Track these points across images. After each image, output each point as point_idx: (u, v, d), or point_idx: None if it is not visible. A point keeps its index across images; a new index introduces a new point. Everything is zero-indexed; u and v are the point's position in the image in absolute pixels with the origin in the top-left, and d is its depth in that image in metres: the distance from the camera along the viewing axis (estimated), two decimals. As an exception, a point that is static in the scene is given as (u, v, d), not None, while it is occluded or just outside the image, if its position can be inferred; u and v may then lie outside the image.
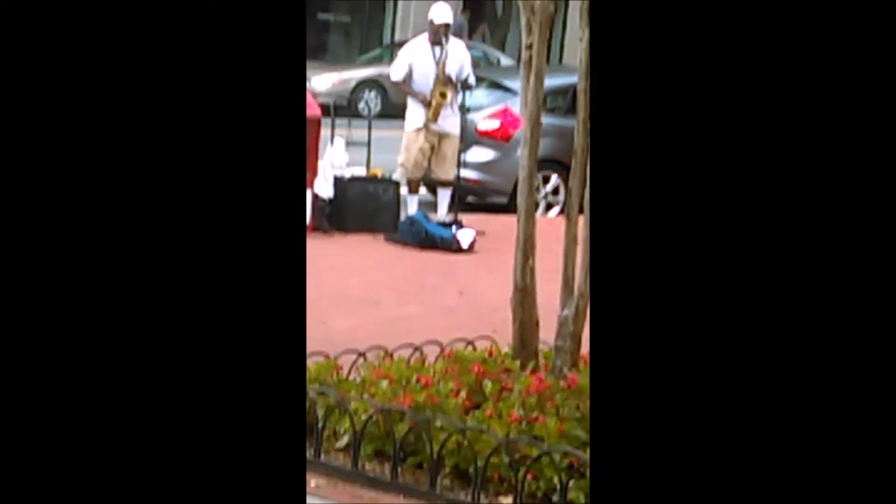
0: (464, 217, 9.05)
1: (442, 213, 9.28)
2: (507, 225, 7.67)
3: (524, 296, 4.31)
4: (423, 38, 9.24)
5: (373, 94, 18.52)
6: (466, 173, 9.77)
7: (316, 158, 8.62)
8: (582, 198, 4.27)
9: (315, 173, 8.59)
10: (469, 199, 10.28)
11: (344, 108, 12.75)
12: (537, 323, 4.46)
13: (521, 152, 4.22)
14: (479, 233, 8.68)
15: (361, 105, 18.37)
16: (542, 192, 10.32)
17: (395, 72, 9.28)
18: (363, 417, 4.06)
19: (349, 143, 9.05)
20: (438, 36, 9.08)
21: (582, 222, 4.26)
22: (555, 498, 3.71)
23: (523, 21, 4.16)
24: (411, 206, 9.19)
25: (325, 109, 9.15)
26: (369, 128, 9.47)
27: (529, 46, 4.12)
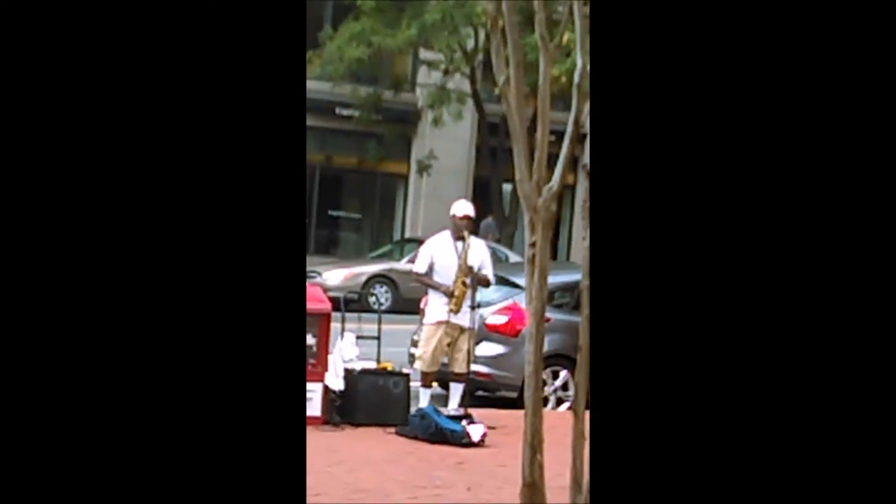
0: (474, 411, 9.06)
1: (453, 406, 9.30)
2: (517, 419, 7.67)
3: (532, 491, 4.33)
4: (446, 234, 9.48)
5: (383, 289, 18.79)
6: (476, 367, 9.85)
7: (326, 352, 8.73)
8: (588, 393, 4.33)
9: (325, 367, 8.67)
10: (479, 392, 10.32)
11: (355, 302, 12.94)
12: (548, 517, 4.46)
13: (527, 347, 4.31)
14: (490, 427, 8.68)
15: (372, 300, 18.59)
16: (552, 387, 10.36)
17: (419, 265, 9.49)
18: None
19: (359, 337, 9.16)
20: (460, 230, 9.32)
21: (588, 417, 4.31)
22: None
23: (527, 219, 4.32)
24: (424, 400, 9.23)
25: (336, 304, 9.30)
26: (379, 321, 9.60)
27: (533, 244, 4.26)
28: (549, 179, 4.25)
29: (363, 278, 18.92)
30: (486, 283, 9.42)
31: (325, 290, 13.08)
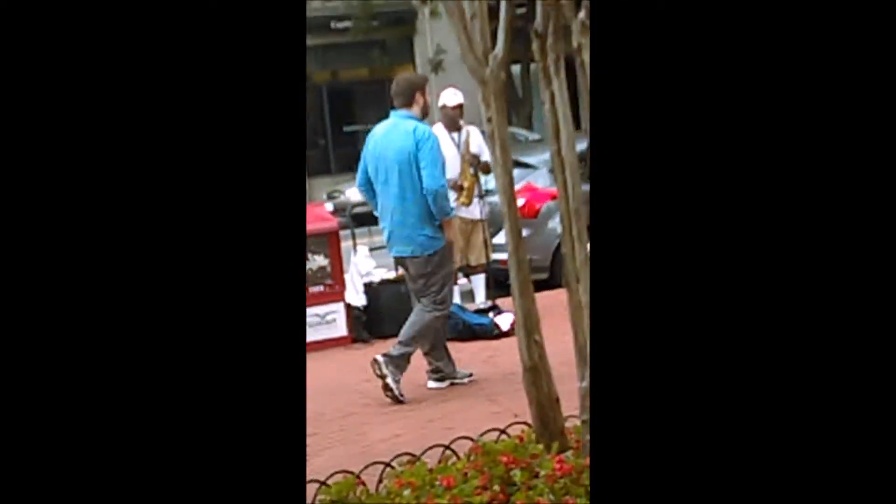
0: (504, 301, 8.85)
1: (480, 299, 9.13)
2: (548, 299, 7.48)
3: (535, 375, 4.12)
4: (439, 127, 9.16)
5: (408, 194, 18.54)
6: (499, 256, 9.60)
7: (341, 270, 8.53)
8: (582, 264, 4.08)
9: (343, 286, 8.49)
10: (509, 281, 10.10)
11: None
12: (557, 400, 4.24)
13: (505, 227, 4.06)
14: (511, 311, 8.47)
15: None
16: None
17: None
18: (390, 532, 3.86)
19: (373, 249, 8.96)
20: (455, 121, 8.98)
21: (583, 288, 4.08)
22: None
23: (479, 97, 4.03)
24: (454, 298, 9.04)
25: (358, 219, 9.07)
26: (391, 230, 9.37)
27: (489, 119, 3.97)
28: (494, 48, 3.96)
29: (387, 188, 18.67)
30: (488, 170, 9.12)
31: (346, 207, 12.89)
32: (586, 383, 4.11)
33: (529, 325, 4.06)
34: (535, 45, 3.97)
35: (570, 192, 3.75)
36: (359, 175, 6.98)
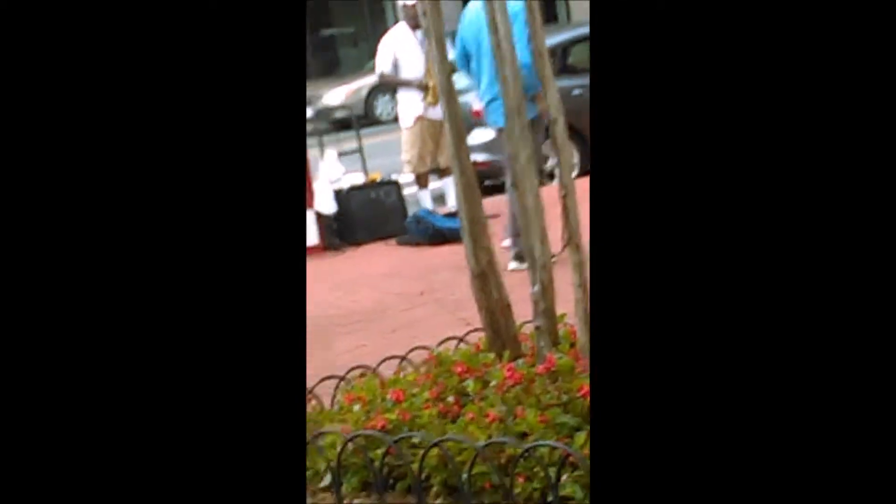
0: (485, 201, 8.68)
1: (451, 202, 8.94)
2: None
3: (484, 281, 3.94)
4: (402, 26, 8.91)
5: (387, 97, 18.22)
6: (473, 157, 9.41)
7: (309, 178, 8.34)
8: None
9: (312, 193, 8.30)
10: (486, 182, 9.91)
11: (362, 118, 12.51)
12: (508, 306, 4.08)
13: (446, 119, 3.85)
14: (493, 216, 8.30)
15: (379, 111, 18.10)
16: (555, 160, 9.91)
17: (381, 63, 8.94)
18: (338, 450, 3.73)
19: (341, 154, 8.75)
20: (415, 17, 8.73)
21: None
22: (550, 497, 3.34)
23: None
24: (426, 202, 8.84)
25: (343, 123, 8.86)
26: (358, 136, 9.17)
27: (424, 13, 3.74)
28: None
29: (364, 92, 18.37)
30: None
31: (325, 112, 12.67)
32: (538, 288, 3.96)
33: (475, 232, 3.88)
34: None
35: (511, 89, 3.54)
36: (456, 49, 7.13)
